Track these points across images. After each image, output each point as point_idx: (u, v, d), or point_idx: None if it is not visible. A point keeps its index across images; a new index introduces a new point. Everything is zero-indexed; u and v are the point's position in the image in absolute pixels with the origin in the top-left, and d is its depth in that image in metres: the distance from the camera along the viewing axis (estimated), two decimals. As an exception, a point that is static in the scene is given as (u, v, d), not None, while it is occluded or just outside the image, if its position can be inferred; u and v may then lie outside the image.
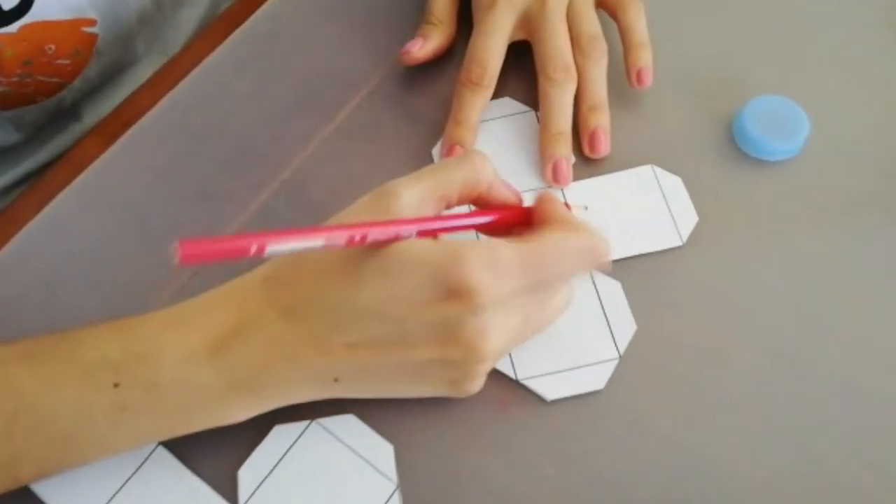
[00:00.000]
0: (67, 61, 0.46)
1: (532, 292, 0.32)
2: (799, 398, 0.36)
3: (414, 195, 0.31)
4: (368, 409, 0.35)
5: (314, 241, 0.27)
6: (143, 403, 0.31)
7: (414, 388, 0.34)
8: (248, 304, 0.32)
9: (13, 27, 0.41)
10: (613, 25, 0.44)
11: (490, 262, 0.29)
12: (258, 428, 0.34)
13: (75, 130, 0.52)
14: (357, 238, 0.28)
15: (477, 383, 0.33)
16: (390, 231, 0.29)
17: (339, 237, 0.27)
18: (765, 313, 0.38)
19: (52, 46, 0.44)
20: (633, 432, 0.35)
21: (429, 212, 0.32)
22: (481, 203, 0.34)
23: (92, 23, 0.45)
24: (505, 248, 0.30)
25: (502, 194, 0.34)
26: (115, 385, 0.30)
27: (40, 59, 0.44)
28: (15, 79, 0.44)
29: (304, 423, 0.35)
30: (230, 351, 0.31)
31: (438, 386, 0.33)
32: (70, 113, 0.51)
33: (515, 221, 0.34)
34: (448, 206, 0.33)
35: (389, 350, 0.31)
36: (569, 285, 0.35)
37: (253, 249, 0.25)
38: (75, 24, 0.44)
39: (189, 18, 0.54)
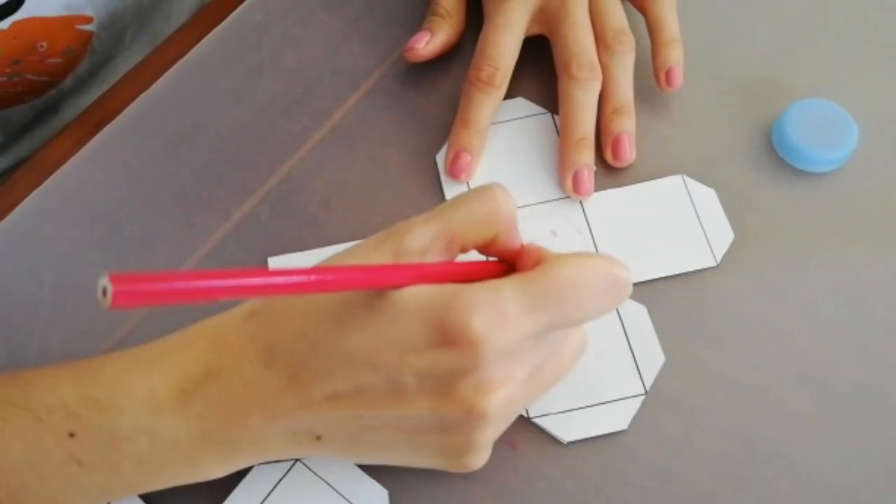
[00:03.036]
0: (59, 60, 0.45)
1: (543, 339, 0.30)
2: (853, 447, 0.34)
3: (421, 236, 0.30)
4: (360, 449, 0.34)
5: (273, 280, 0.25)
6: (101, 457, 0.29)
7: (405, 456, 0.32)
8: (227, 342, 0.30)
9: (5, 23, 0.41)
10: (640, 20, 0.43)
11: (493, 306, 0.27)
12: (235, 468, 0.33)
13: (52, 125, 0.51)
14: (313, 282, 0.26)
15: (479, 456, 0.31)
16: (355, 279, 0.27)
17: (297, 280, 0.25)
18: (811, 344, 0.37)
19: (44, 44, 0.44)
20: (660, 479, 0.34)
21: (438, 255, 0.30)
22: (488, 250, 0.32)
23: (88, 20, 0.45)
24: (510, 288, 0.28)
25: (513, 244, 0.32)
26: (71, 434, 0.29)
27: (31, 58, 0.44)
28: (3, 78, 0.44)
29: (287, 463, 0.34)
30: (201, 396, 0.30)
31: (434, 457, 0.31)
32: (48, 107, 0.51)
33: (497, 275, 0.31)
34: (463, 249, 0.31)
35: (376, 403, 0.29)
36: (580, 327, 0.33)
37: (205, 290, 0.22)
38: (69, 22, 0.44)
39: (180, 8, 0.53)
